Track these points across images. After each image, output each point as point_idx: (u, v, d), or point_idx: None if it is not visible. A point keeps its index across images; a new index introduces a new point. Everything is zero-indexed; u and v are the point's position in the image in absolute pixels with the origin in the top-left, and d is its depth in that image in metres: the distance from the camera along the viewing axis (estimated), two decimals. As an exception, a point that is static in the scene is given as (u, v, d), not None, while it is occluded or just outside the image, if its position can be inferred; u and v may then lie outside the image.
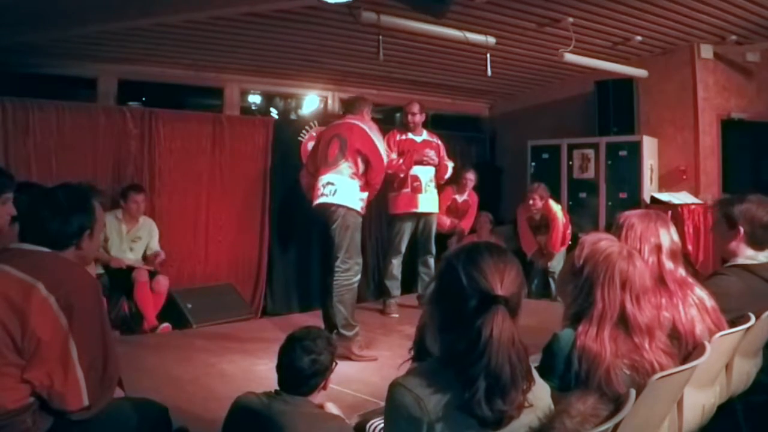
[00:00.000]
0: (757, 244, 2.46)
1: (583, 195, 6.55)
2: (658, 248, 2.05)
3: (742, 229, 2.45)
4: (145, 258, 5.04)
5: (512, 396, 1.25)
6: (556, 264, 5.85)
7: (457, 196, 6.21)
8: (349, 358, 3.69)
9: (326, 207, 3.99)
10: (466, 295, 1.29)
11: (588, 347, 1.63)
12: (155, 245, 5.09)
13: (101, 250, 4.81)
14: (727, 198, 2.64)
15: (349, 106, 4.46)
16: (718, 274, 2.49)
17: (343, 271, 3.97)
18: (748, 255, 2.47)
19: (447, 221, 6.12)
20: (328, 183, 3.99)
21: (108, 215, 4.77)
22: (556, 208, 5.90)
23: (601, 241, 1.78)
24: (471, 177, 6.22)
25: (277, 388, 2.06)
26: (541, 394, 1.37)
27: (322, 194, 4.00)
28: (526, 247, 6.07)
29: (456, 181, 6.09)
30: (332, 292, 3.95)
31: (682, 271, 2.08)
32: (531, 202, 5.84)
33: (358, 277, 4.07)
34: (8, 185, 2.30)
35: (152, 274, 4.87)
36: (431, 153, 5.32)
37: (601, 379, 1.57)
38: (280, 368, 2.06)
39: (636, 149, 6.21)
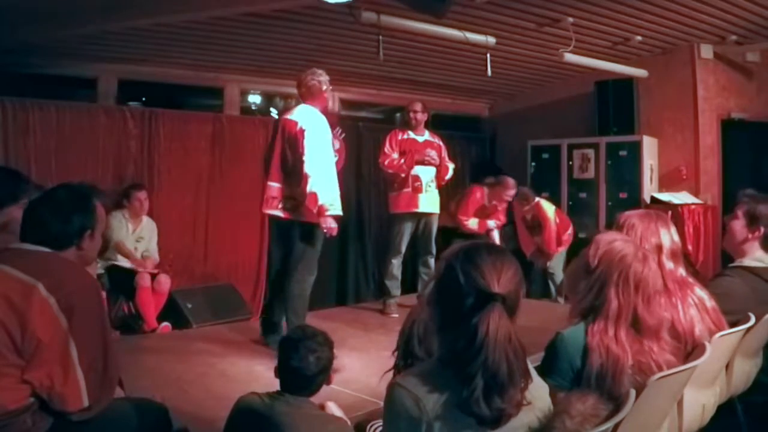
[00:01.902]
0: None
1: (583, 195, 6.56)
2: (659, 248, 2.05)
3: (762, 230, 2.46)
4: (143, 259, 5.02)
5: (510, 394, 1.25)
6: (555, 264, 5.84)
7: (486, 203, 5.81)
8: None
9: (284, 221, 3.89)
10: (463, 294, 1.30)
11: (609, 347, 1.63)
12: (153, 247, 5.09)
13: (124, 248, 4.84)
14: (756, 195, 2.60)
15: (304, 90, 3.97)
16: (722, 276, 2.49)
17: (298, 282, 3.89)
18: (755, 257, 2.48)
19: (476, 223, 5.76)
20: (288, 197, 3.83)
21: (116, 215, 4.78)
22: (547, 208, 5.83)
23: (616, 241, 1.78)
24: (510, 194, 5.75)
25: (279, 389, 2.05)
26: (539, 392, 1.37)
27: (281, 207, 3.86)
28: (525, 247, 6.06)
29: (494, 187, 5.76)
30: (286, 301, 3.91)
31: (682, 271, 2.08)
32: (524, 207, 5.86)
33: (310, 288, 3.97)
34: (26, 190, 2.30)
35: (153, 275, 4.87)
36: (433, 153, 5.31)
37: (614, 381, 1.57)
38: (284, 371, 2.05)
39: (636, 149, 6.21)
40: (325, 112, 4.03)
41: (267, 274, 5.89)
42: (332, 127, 4.15)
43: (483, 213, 5.86)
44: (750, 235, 2.49)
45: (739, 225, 2.53)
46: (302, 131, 3.76)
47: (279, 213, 3.88)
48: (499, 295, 1.28)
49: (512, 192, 5.74)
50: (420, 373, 1.33)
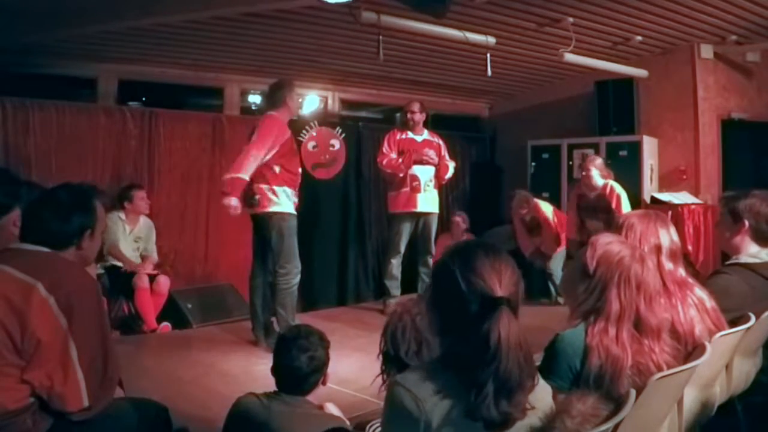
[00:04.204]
0: (761, 239, 2.46)
1: (583, 195, 6.54)
2: (658, 249, 2.05)
3: (747, 223, 2.45)
4: (142, 259, 5.02)
5: (518, 398, 1.25)
6: (555, 265, 5.82)
7: (580, 192, 5.23)
8: None
9: (258, 215, 4.13)
10: (466, 300, 1.28)
11: (609, 348, 1.62)
12: (152, 247, 5.08)
13: (118, 252, 4.82)
14: (731, 194, 2.63)
15: (267, 100, 4.35)
16: (720, 273, 2.48)
17: (282, 276, 4.10)
18: (751, 252, 2.46)
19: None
20: (254, 193, 4.07)
21: (111, 216, 4.77)
22: (546, 209, 5.77)
23: (612, 243, 1.77)
24: (588, 165, 5.03)
25: (276, 389, 2.06)
26: (542, 394, 1.36)
27: (251, 204, 4.10)
28: (524, 248, 6.04)
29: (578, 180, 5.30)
30: (274, 296, 4.13)
31: (681, 272, 2.08)
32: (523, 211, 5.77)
33: (297, 279, 4.17)
34: (24, 192, 2.30)
35: (152, 277, 4.86)
36: (431, 152, 5.31)
37: (612, 383, 1.57)
38: (277, 370, 2.06)
39: (636, 149, 6.21)
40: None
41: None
42: (332, 127, 4.19)
43: (585, 203, 5.21)
44: (738, 232, 2.48)
45: (725, 225, 2.54)
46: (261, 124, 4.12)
47: (250, 211, 4.18)
48: (503, 298, 1.27)
49: (589, 163, 5.09)
50: (420, 372, 1.32)
